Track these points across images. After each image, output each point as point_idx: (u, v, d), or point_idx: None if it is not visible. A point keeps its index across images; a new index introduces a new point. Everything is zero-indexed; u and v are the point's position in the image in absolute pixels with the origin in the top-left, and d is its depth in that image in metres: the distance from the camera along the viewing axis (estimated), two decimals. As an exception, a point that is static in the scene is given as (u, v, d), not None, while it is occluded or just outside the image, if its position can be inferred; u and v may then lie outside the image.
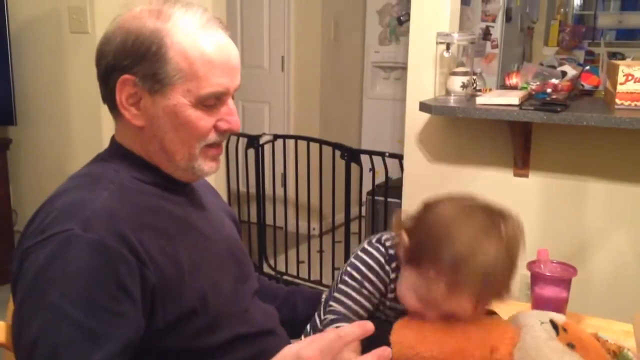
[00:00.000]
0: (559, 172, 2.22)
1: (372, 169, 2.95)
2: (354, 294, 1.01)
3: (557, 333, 0.92)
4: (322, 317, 1.03)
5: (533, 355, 0.91)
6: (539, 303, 1.24)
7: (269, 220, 3.43)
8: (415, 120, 2.44)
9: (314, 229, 3.49)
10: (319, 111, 4.05)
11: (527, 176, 2.27)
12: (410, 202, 2.52)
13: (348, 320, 0.98)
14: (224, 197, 3.39)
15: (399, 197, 2.57)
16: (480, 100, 2.11)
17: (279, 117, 4.10)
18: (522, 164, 2.26)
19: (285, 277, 3.40)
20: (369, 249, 1.03)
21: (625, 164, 2.10)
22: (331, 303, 1.02)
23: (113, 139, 1.04)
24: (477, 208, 0.97)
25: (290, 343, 1.14)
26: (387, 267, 1.01)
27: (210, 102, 0.97)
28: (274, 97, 4.08)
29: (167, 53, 0.93)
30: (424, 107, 2.21)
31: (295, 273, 3.38)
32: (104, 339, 0.85)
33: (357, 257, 1.03)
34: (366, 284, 1.01)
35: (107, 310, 0.85)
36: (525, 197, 2.28)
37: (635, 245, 2.13)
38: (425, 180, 2.47)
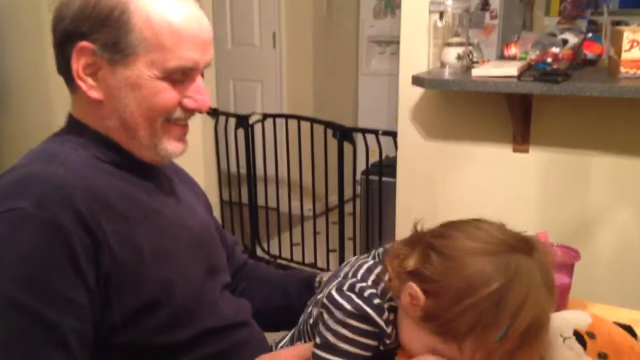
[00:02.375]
0: (561, 146, 2.11)
1: (366, 148, 2.84)
2: None
3: (585, 346, 0.78)
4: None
5: None
6: (539, 290, 1.13)
7: (260, 201, 3.33)
8: (409, 96, 2.32)
9: (309, 210, 3.39)
10: (312, 89, 3.93)
11: (527, 151, 2.16)
12: (405, 181, 2.42)
13: None
14: (214, 178, 3.30)
15: (395, 176, 2.46)
16: (476, 72, 1.99)
17: (272, 96, 3.98)
18: (521, 139, 2.14)
19: (279, 260, 3.31)
20: (352, 310, 0.81)
21: (631, 136, 1.99)
22: None
23: (70, 115, 0.96)
24: (506, 251, 0.75)
25: (262, 334, 1.07)
26: (380, 323, 0.81)
27: (177, 77, 0.90)
28: (266, 75, 3.96)
29: (131, 20, 0.86)
30: (417, 80, 2.09)
31: (289, 256, 3.29)
32: (63, 332, 0.78)
33: (340, 323, 0.82)
34: (360, 351, 0.82)
35: (62, 298, 0.78)
36: (525, 173, 2.17)
37: (641, 223, 2.03)
38: (420, 158, 2.36)
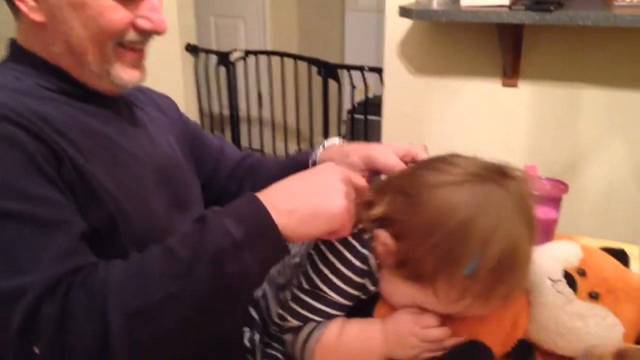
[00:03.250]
0: (552, 79, 2.04)
1: (352, 85, 2.75)
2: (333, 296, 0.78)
3: (575, 289, 0.73)
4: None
5: (550, 327, 0.73)
6: (525, 225, 1.09)
7: (244, 143, 3.25)
8: (396, 29, 2.22)
9: (295, 151, 3.33)
10: (297, 25, 3.79)
11: (516, 86, 2.09)
12: (391, 119, 2.34)
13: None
14: (195, 120, 3.21)
15: (381, 114, 2.39)
16: (466, 1, 1.89)
17: (254, 32, 3.83)
18: (511, 72, 2.07)
19: (264, 202, 3.26)
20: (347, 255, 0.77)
21: (625, 67, 1.92)
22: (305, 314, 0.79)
23: (13, 42, 0.87)
24: (474, 181, 0.69)
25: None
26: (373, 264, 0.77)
27: None
28: (249, 11, 3.80)
29: None
30: (404, 12, 2.00)
31: (275, 198, 3.24)
32: (57, 224, 0.71)
33: (329, 267, 0.77)
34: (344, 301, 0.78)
35: (44, 199, 0.72)
36: (515, 108, 2.11)
37: (633, 157, 1.98)
38: (407, 95, 2.28)
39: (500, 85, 2.12)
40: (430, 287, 0.69)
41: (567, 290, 0.73)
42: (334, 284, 0.76)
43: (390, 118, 2.35)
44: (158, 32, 0.86)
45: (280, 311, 0.81)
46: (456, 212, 0.66)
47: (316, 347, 0.77)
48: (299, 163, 1.11)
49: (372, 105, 2.67)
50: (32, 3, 0.80)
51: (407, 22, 2.15)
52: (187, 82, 3.07)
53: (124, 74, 0.86)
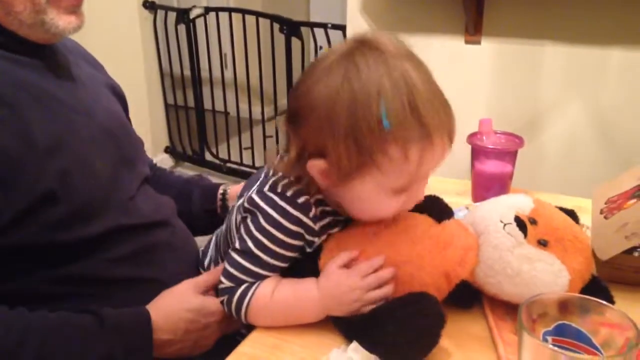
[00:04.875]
0: (514, 36, 2.02)
1: (315, 44, 2.69)
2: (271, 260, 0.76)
3: (525, 234, 0.72)
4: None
5: (497, 269, 0.72)
6: (480, 180, 1.08)
7: (207, 105, 3.18)
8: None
9: (259, 114, 3.27)
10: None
11: (479, 43, 2.06)
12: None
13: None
14: (156, 80, 3.12)
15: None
16: (428, -46, 1.84)
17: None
18: (473, 29, 2.04)
19: (228, 164, 3.22)
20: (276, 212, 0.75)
21: (584, 23, 1.90)
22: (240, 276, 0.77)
23: None
24: (342, 57, 0.69)
25: (189, 237, 0.99)
26: (306, 222, 0.75)
27: None
28: (209, -34, 3.68)
29: None
30: (365, -35, 1.94)
31: (239, 160, 3.19)
32: None
33: (261, 231, 0.75)
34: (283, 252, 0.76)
35: None
36: (477, 65, 2.09)
37: (593, 113, 1.99)
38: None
39: (462, 43, 2.09)
40: (374, 167, 0.68)
41: (517, 232, 0.72)
42: (269, 248, 0.75)
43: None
44: None
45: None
46: (339, 88, 0.67)
47: (250, 306, 0.75)
48: (205, 188, 1.12)
49: (336, 64, 2.62)
50: None
51: (369, -23, 2.10)
52: (145, 40, 2.97)
53: (60, 21, 0.81)
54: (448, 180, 1.21)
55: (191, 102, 3.19)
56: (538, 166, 2.03)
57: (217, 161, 3.25)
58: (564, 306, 0.55)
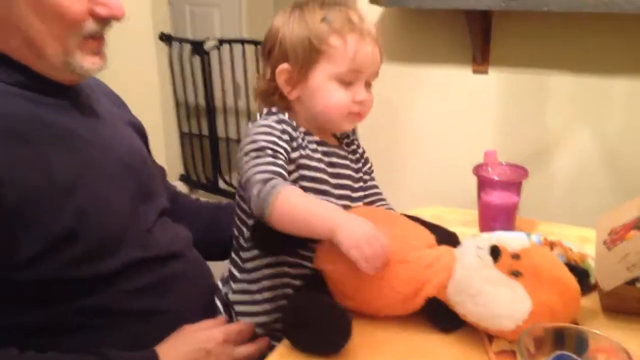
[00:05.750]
0: (521, 66, 2.05)
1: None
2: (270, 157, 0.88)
3: (496, 260, 0.75)
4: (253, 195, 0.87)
5: (462, 287, 0.76)
6: (486, 210, 1.11)
7: (221, 133, 3.24)
8: (367, 16, 2.21)
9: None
10: (274, 13, 3.76)
11: (486, 72, 2.10)
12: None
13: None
14: (171, 110, 3.19)
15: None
16: (435, -12, 1.90)
17: (230, 21, 3.81)
18: (481, 59, 2.08)
19: (242, 191, 3.26)
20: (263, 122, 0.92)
21: (591, 53, 1.94)
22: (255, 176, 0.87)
23: None
24: None
25: (204, 266, 1.01)
26: (290, 121, 0.93)
27: None
28: (223, -1, 3.78)
29: None
30: (374, -1, 2.00)
31: (252, 187, 3.23)
32: None
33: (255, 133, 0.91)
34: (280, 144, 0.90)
35: None
36: (485, 95, 2.13)
37: (600, 143, 2.01)
38: (379, 82, 2.26)
39: (470, 72, 2.13)
40: (323, 56, 0.89)
41: (487, 257, 0.76)
42: (268, 141, 0.89)
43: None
44: (116, 18, 0.85)
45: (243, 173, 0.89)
46: (290, 13, 0.92)
47: (279, 194, 0.82)
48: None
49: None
50: None
51: (377, 10, 2.15)
52: (161, 71, 3.05)
53: (85, 62, 0.85)
54: (455, 210, 1.24)
55: (205, 131, 3.25)
56: (545, 196, 2.04)
57: (230, 189, 3.30)
58: (560, 337, 0.57)
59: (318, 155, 0.94)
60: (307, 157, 0.93)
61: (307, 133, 0.94)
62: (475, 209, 1.16)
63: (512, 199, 1.09)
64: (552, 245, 0.99)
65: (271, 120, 0.92)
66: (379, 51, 0.95)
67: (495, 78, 2.10)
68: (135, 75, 2.80)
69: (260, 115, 0.94)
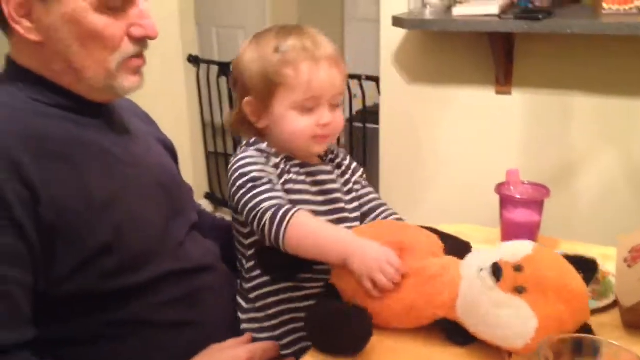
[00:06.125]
0: (544, 87, 2.07)
1: (349, 94, 2.78)
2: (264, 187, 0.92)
3: (498, 279, 0.77)
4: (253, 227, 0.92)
5: (469, 308, 0.79)
6: (509, 229, 1.13)
7: (246, 152, 3.29)
8: (391, 39, 2.27)
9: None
10: (298, 36, 3.84)
11: (509, 93, 2.13)
12: (389, 127, 2.38)
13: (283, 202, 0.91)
14: (198, 129, 3.26)
15: (379, 122, 2.42)
16: (457, 11, 1.94)
17: (256, 43, 3.88)
18: (504, 80, 2.11)
19: (266, 210, 3.30)
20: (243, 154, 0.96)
21: (614, 74, 1.95)
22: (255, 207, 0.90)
23: (8, 58, 0.90)
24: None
25: (231, 279, 1.05)
26: (272, 160, 0.96)
27: (116, 4, 0.84)
28: (249, 21, 3.85)
29: None
30: (397, 22, 2.04)
31: (276, 205, 3.27)
32: (4, 283, 0.76)
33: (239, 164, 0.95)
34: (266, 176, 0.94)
35: (3, 250, 0.76)
36: (508, 115, 2.15)
37: (624, 163, 2.01)
38: (403, 103, 2.32)
39: (493, 93, 2.16)
40: (280, 86, 0.92)
41: (489, 278, 0.77)
42: (253, 171, 0.93)
43: (387, 126, 2.39)
44: (151, 37, 0.89)
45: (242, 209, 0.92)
46: (247, 47, 0.97)
47: (293, 218, 0.86)
48: None
49: (371, 114, 2.70)
50: (28, 24, 0.83)
51: (401, 32, 2.19)
52: (189, 92, 3.12)
53: (126, 82, 0.89)
54: (478, 228, 1.26)
55: (230, 150, 3.31)
56: (570, 215, 2.04)
57: (254, 207, 3.33)
58: (579, 346, 0.59)
59: (302, 178, 0.97)
60: (292, 181, 0.95)
61: (287, 158, 0.96)
62: (498, 227, 1.18)
63: (534, 218, 1.11)
64: (573, 262, 1.01)
65: (252, 151, 0.94)
66: (339, 72, 0.95)
67: (519, 99, 2.12)
68: (164, 96, 2.87)
69: (240, 147, 0.97)
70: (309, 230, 0.87)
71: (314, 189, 0.98)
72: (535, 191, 1.13)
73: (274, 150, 0.96)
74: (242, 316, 0.99)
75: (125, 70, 0.88)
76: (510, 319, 0.75)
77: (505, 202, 1.12)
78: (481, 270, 0.79)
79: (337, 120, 0.96)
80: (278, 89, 0.93)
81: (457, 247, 0.91)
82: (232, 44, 3.92)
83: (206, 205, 3.42)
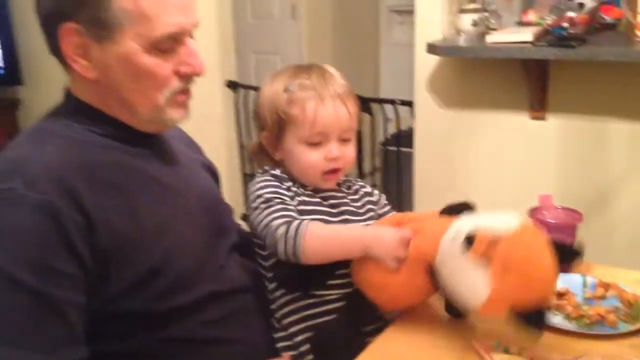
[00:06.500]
0: (579, 113, 2.08)
1: (384, 118, 2.83)
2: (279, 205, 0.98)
3: (467, 248, 0.84)
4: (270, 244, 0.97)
5: (442, 263, 0.88)
6: (541, 252, 1.14)
7: (282, 174, 3.35)
8: (425, 64, 2.31)
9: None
10: (332, 61, 3.89)
11: (544, 119, 2.14)
12: (423, 151, 2.41)
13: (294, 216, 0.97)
14: (235, 152, 3.34)
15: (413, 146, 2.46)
16: (491, 38, 1.97)
17: (292, 69, 3.97)
18: (538, 105, 2.12)
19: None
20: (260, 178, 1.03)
21: (650, 101, 1.95)
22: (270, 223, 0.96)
23: (67, 92, 0.96)
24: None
25: (263, 301, 1.09)
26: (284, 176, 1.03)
27: (166, 45, 0.89)
28: (285, 47, 3.95)
29: None
30: (431, 48, 2.09)
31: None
32: (61, 305, 0.81)
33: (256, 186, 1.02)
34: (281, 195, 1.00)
35: (60, 274, 0.81)
36: (543, 141, 2.16)
37: (661, 189, 2.00)
38: (437, 127, 2.36)
39: (528, 118, 2.17)
40: (289, 123, 0.99)
41: (460, 245, 0.85)
42: (272, 192, 1.00)
43: (421, 150, 2.43)
44: (198, 74, 0.94)
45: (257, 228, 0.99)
46: (265, 86, 1.04)
47: (308, 229, 0.92)
48: None
49: (405, 138, 2.74)
50: (85, 63, 0.89)
51: (435, 57, 2.23)
52: (227, 116, 3.22)
53: (174, 114, 0.94)
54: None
55: (266, 172, 3.37)
56: (605, 240, 2.03)
57: (289, 228, 3.38)
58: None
59: (316, 199, 1.02)
60: (305, 202, 1.01)
61: (301, 185, 1.03)
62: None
63: (567, 242, 1.12)
64: (606, 286, 1.03)
65: (267, 176, 1.02)
66: (347, 108, 1.00)
67: (554, 124, 2.13)
68: (204, 120, 2.96)
69: (256, 175, 1.05)
70: (324, 236, 0.94)
71: (328, 209, 1.03)
72: (568, 216, 1.15)
73: (286, 176, 1.02)
74: (274, 335, 1.03)
75: (173, 104, 0.93)
76: (468, 284, 0.85)
77: (538, 226, 1.14)
78: (455, 237, 0.86)
79: (347, 154, 1.01)
80: (288, 126, 0.99)
81: (458, 208, 0.96)
82: (269, 69, 3.99)
83: (243, 226, 3.49)
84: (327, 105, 0.98)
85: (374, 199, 1.11)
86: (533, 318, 0.82)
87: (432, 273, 0.90)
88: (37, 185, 0.81)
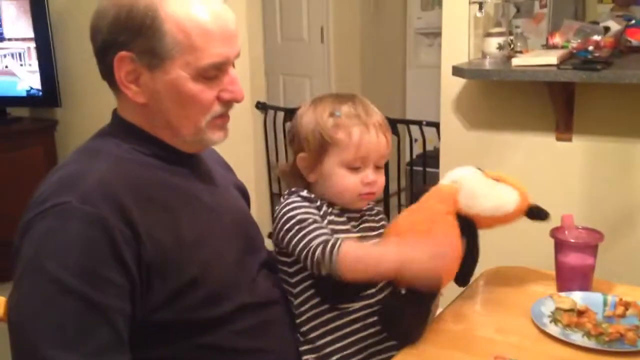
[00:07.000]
0: (605, 134, 2.09)
1: (410, 139, 2.87)
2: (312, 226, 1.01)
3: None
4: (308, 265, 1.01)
5: (470, 198, 1.10)
6: (563, 271, 1.17)
7: (309, 194, 3.40)
8: (451, 86, 2.35)
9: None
10: (360, 83, 3.97)
11: (570, 140, 2.15)
12: (448, 172, 2.43)
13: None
14: (264, 172, 3.40)
15: (439, 166, 2.48)
16: (517, 61, 2.01)
17: (321, 90, 4.04)
18: (564, 127, 2.14)
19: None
20: (290, 200, 1.06)
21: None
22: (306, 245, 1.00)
23: (115, 113, 1.03)
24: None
25: (291, 314, 1.13)
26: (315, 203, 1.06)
27: (211, 74, 0.96)
28: (314, 70, 4.03)
29: (163, 26, 0.92)
30: (457, 71, 2.12)
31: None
32: (109, 312, 0.86)
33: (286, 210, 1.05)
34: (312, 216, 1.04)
35: (109, 282, 0.86)
36: (569, 162, 2.17)
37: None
38: (462, 148, 2.38)
39: (554, 140, 2.18)
40: (332, 145, 1.04)
41: (478, 171, 1.16)
42: (303, 214, 1.03)
43: (447, 170, 2.43)
44: (237, 101, 1.01)
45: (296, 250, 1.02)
46: (305, 109, 1.09)
47: (342, 247, 0.96)
48: None
49: (431, 158, 2.77)
50: (136, 88, 0.96)
51: (461, 80, 2.27)
52: (256, 136, 3.29)
53: (214, 137, 1.01)
54: (537, 270, 1.30)
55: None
56: (629, 261, 2.02)
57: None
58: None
59: (343, 219, 1.07)
60: (334, 222, 1.06)
61: (329, 204, 1.07)
62: (553, 269, 1.22)
63: (588, 261, 1.14)
64: (627, 305, 1.04)
65: (295, 197, 1.05)
66: (386, 138, 1.07)
67: (580, 146, 2.13)
68: (235, 140, 3.03)
69: (283, 196, 1.08)
70: (358, 258, 0.97)
71: (355, 228, 1.09)
72: (589, 236, 1.17)
73: (313, 196, 1.06)
74: (300, 348, 1.07)
75: (213, 127, 1.00)
76: (500, 194, 1.12)
77: (560, 245, 1.16)
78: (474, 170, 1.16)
79: (380, 180, 1.07)
80: (331, 148, 1.04)
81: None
82: (297, 91, 4.10)
83: (268, 244, 3.54)
84: (371, 133, 1.04)
85: (382, 215, 1.17)
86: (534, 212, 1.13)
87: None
88: (91, 200, 0.87)
